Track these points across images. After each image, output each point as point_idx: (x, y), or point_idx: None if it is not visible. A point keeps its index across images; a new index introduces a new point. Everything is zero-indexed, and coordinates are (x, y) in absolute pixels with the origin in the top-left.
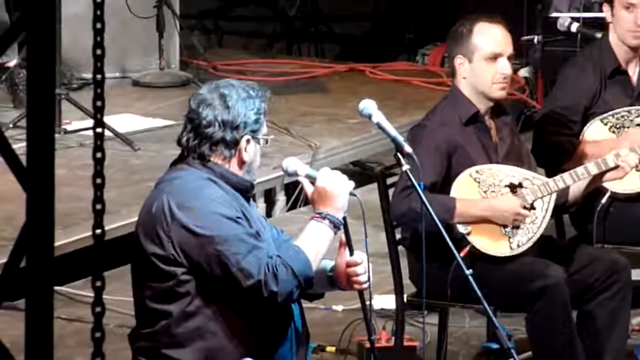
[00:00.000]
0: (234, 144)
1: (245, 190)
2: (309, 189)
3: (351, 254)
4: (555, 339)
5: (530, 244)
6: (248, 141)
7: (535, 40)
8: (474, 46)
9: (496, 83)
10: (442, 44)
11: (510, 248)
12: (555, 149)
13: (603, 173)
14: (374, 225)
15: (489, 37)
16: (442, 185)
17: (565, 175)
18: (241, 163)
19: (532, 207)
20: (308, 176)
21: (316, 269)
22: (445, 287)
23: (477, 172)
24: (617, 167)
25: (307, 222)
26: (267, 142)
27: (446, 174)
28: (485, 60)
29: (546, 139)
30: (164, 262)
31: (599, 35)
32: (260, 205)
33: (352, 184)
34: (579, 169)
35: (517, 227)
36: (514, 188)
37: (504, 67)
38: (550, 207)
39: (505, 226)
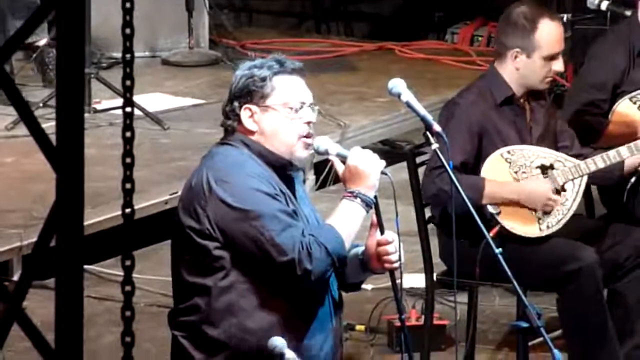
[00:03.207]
0: (234, 115)
1: (283, 168)
2: (340, 168)
3: (382, 233)
4: (587, 319)
5: (559, 225)
6: (250, 110)
7: (565, 19)
8: (537, 44)
9: (548, 77)
10: (471, 23)
11: (540, 229)
12: (583, 127)
13: None
14: (403, 204)
15: (552, 38)
16: (474, 164)
17: (597, 157)
18: (256, 133)
19: (563, 189)
20: (339, 155)
21: (349, 247)
22: (475, 265)
23: (508, 152)
24: None
25: (339, 201)
26: (296, 111)
27: (477, 153)
28: (544, 59)
29: (575, 118)
30: (198, 235)
31: (628, 13)
32: None
33: (383, 162)
34: (611, 152)
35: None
36: (544, 169)
37: (560, 65)
38: (581, 190)
39: (534, 209)
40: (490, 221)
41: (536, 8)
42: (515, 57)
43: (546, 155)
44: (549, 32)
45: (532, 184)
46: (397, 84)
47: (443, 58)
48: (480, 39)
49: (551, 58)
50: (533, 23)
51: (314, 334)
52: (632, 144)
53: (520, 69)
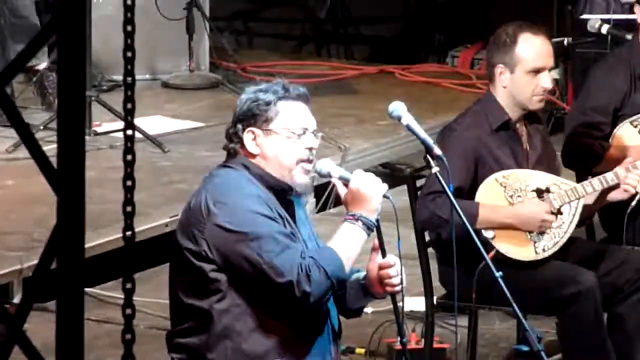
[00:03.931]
0: (237, 137)
1: (282, 192)
2: (342, 190)
3: (384, 256)
4: (587, 343)
5: (556, 248)
6: (253, 132)
7: (565, 42)
8: (517, 58)
9: (536, 95)
10: (472, 46)
11: (536, 252)
12: (585, 151)
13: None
14: (403, 227)
15: (533, 50)
16: (469, 190)
17: (594, 180)
18: (258, 157)
19: (560, 212)
20: (341, 178)
21: (349, 270)
22: (471, 291)
23: (503, 176)
24: None
25: (340, 223)
26: (298, 137)
27: (474, 179)
28: (528, 73)
29: (576, 141)
30: (195, 257)
31: (629, 36)
32: None
33: (385, 186)
34: (608, 175)
35: (543, 233)
36: (540, 193)
37: (546, 81)
38: (577, 213)
39: (530, 231)
40: (486, 246)
41: (520, 25)
42: (501, 73)
43: (542, 178)
44: (530, 46)
45: (526, 207)
46: (398, 107)
47: (443, 81)
48: (480, 62)
49: (535, 72)
50: (514, 37)
51: (322, 350)
52: (629, 165)
53: (508, 87)
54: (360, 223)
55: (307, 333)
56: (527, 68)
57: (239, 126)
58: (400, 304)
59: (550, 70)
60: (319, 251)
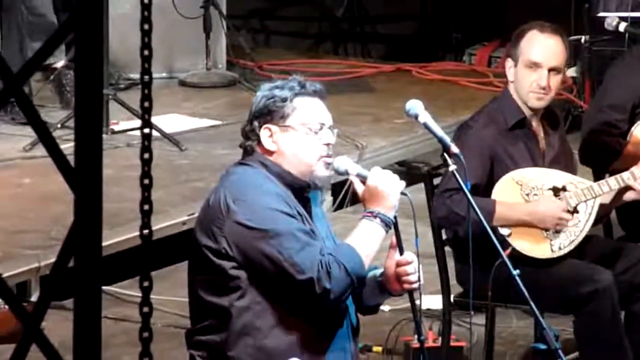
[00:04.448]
0: (254, 135)
1: (300, 189)
2: (359, 188)
3: (401, 253)
4: (604, 341)
5: (572, 247)
6: (269, 129)
7: (583, 40)
8: (520, 50)
9: (532, 92)
10: (489, 44)
11: (552, 250)
12: (602, 149)
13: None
14: (420, 225)
15: (535, 45)
16: (485, 188)
17: (611, 179)
18: (275, 154)
19: (576, 211)
20: (359, 175)
21: (368, 267)
22: (488, 289)
23: (520, 175)
24: None
25: (358, 221)
26: (316, 133)
27: (489, 177)
28: (525, 67)
29: (593, 139)
30: (215, 255)
31: None
32: None
33: (403, 183)
34: (625, 174)
35: (559, 231)
36: (557, 191)
37: (540, 78)
38: (594, 212)
39: (546, 229)
40: (502, 243)
41: (538, 24)
42: (510, 67)
43: (558, 177)
44: (535, 40)
45: (543, 205)
46: (415, 105)
47: (460, 79)
48: (497, 60)
49: (533, 66)
50: (523, 32)
51: (332, 356)
52: None
53: (514, 81)
54: (378, 220)
55: (327, 330)
56: (524, 61)
57: (256, 123)
58: (417, 301)
59: (556, 70)
60: (338, 248)
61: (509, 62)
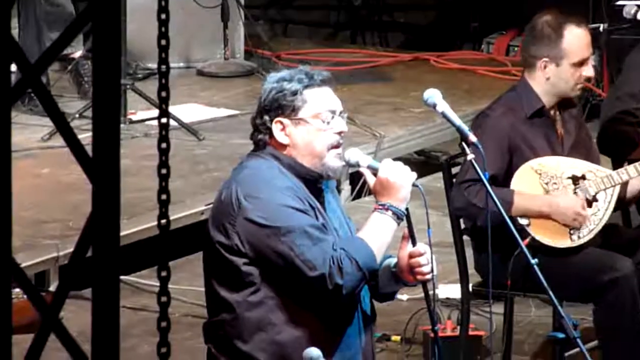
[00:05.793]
0: (265, 128)
1: (314, 181)
2: (371, 180)
3: (414, 244)
4: (624, 330)
5: (591, 235)
6: (281, 123)
7: (601, 28)
8: (564, 52)
9: (579, 84)
10: (507, 33)
11: (571, 239)
12: (620, 137)
13: None
14: (438, 214)
15: (580, 43)
16: (504, 178)
17: (630, 167)
18: (287, 147)
19: (595, 200)
20: (370, 167)
21: (380, 260)
22: (507, 278)
23: (539, 164)
24: None
25: (370, 213)
26: (328, 123)
27: (508, 166)
28: (574, 65)
29: (612, 127)
30: (227, 251)
31: None
32: None
33: (414, 175)
34: None
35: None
36: (576, 180)
37: (590, 70)
38: (613, 200)
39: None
40: (521, 232)
41: (560, 16)
42: (545, 67)
43: (577, 165)
44: (576, 39)
45: (562, 199)
46: (433, 95)
47: (479, 68)
48: (516, 49)
49: (580, 64)
50: (559, 31)
51: (343, 349)
52: None
53: (551, 78)
54: (390, 212)
55: (338, 323)
56: (574, 61)
57: (266, 117)
58: (431, 292)
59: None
60: (350, 242)
61: (544, 62)
